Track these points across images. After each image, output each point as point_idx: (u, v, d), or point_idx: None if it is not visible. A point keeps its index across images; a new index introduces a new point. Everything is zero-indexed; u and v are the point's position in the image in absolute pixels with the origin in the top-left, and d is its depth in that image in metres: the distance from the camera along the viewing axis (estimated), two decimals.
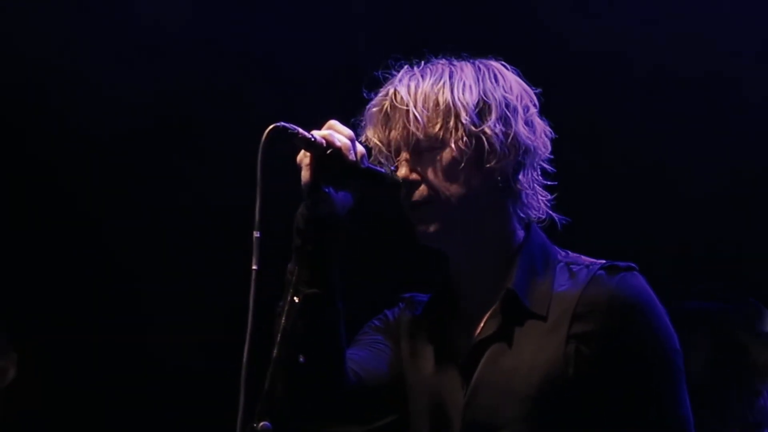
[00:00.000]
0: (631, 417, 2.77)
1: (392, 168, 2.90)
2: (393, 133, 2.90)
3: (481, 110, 2.86)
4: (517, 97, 2.91)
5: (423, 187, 2.87)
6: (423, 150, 2.88)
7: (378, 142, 2.92)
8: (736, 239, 5.16)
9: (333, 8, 5.23)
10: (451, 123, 2.84)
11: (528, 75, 3.06)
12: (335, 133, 2.79)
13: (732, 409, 4.64)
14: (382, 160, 2.91)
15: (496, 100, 2.87)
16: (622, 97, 5.18)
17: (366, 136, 2.93)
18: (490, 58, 2.98)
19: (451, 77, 2.88)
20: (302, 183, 2.80)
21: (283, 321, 2.74)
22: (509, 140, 2.86)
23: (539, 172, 2.95)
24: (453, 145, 2.84)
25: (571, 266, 2.88)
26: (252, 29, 5.22)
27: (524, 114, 2.90)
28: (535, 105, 2.96)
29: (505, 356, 2.83)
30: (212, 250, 5.16)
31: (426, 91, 2.87)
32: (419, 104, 2.85)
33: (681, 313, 4.87)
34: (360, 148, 2.83)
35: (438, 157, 2.86)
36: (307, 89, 5.00)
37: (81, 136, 5.24)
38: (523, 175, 2.90)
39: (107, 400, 5.41)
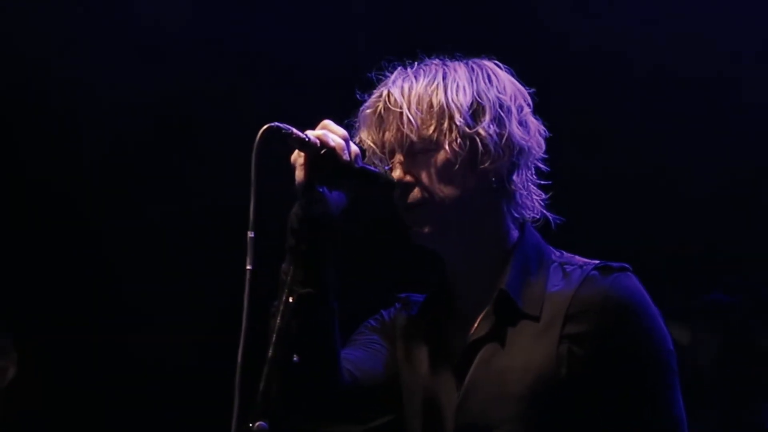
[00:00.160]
0: (625, 417, 2.77)
1: (386, 168, 2.89)
2: (387, 135, 2.89)
3: (475, 111, 2.85)
4: (510, 97, 2.90)
5: (417, 189, 2.87)
6: (417, 152, 2.87)
7: (372, 144, 2.91)
8: (736, 239, 5.16)
9: (333, 8, 5.24)
10: (445, 125, 2.83)
11: (528, 75, 3.05)
12: (329, 133, 2.78)
13: (746, 409, 4.64)
14: (377, 162, 2.90)
15: (489, 100, 2.86)
16: (622, 97, 5.18)
17: (360, 137, 2.92)
18: (483, 58, 2.97)
19: (444, 78, 2.87)
20: (296, 183, 2.79)
21: (277, 321, 2.73)
22: (503, 141, 2.85)
23: (533, 172, 2.94)
24: (447, 147, 2.83)
25: (564, 266, 2.87)
26: (252, 29, 5.22)
27: (518, 114, 2.89)
28: (528, 104, 2.94)
29: (498, 357, 2.83)
30: (212, 250, 5.16)
31: (420, 92, 2.86)
32: (413, 106, 2.85)
33: (692, 307, 4.89)
34: (354, 148, 2.82)
35: (432, 159, 2.85)
36: (307, 89, 5.01)
37: (81, 136, 5.25)
38: (518, 176, 2.89)
39: (107, 399, 5.41)
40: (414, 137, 2.85)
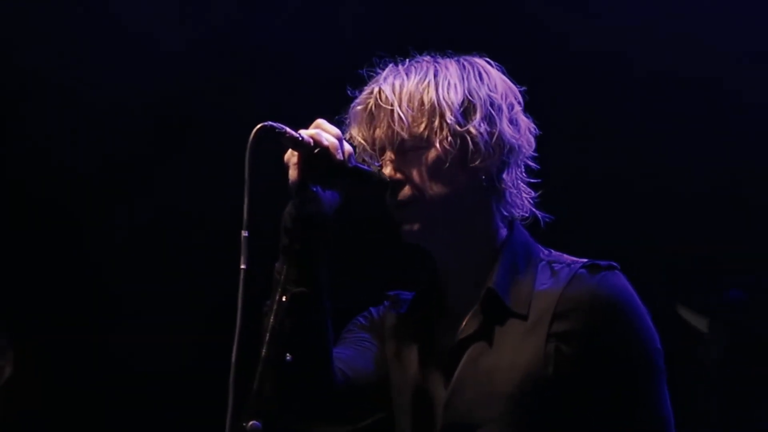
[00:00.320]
0: (612, 416, 2.76)
1: (377, 164, 2.89)
2: (377, 132, 2.89)
3: (466, 110, 2.85)
4: (501, 96, 2.89)
5: (408, 187, 2.87)
6: (408, 149, 2.87)
7: (362, 141, 2.91)
8: (736, 239, 5.15)
9: (333, 8, 5.24)
10: (436, 123, 2.83)
11: (528, 75, 3.05)
12: (323, 132, 2.78)
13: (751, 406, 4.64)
14: (367, 159, 2.90)
15: (480, 99, 2.85)
16: (622, 97, 5.18)
17: (350, 134, 2.92)
18: (474, 55, 2.96)
19: (436, 76, 2.87)
20: (290, 182, 2.79)
21: (271, 320, 2.74)
22: (494, 140, 2.84)
23: (523, 170, 2.94)
24: (438, 145, 2.83)
25: (552, 265, 2.87)
26: (252, 29, 5.23)
27: (509, 112, 2.89)
28: (519, 102, 2.94)
29: (486, 355, 2.82)
30: (212, 250, 5.17)
31: (411, 90, 2.86)
32: (404, 104, 2.84)
33: (709, 303, 4.90)
34: (347, 147, 2.82)
35: (423, 157, 2.85)
36: (307, 89, 5.01)
37: (81, 136, 5.26)
38: (508, 174, 2.88)
39: (106, 399, 5.42)
40: (405, 135, 2.85)
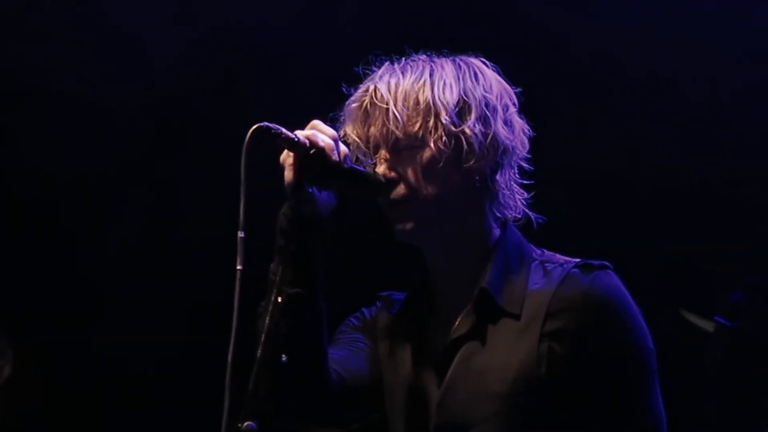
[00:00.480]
0: (604, 416, 2.76)
1: (370, 162, 2.89)
2: (372, 131, 2.89)
3: (461, 110, 2.84)
4: (496, 96, 2.89)
5: (401, 186, 2.86)
6: (402, 148, 2.87)
7: (357, 138, 2.90)
8: (736, 239, 5.15)
9: (333, 8, 5.24)
10: (431, 122, 2.82)
11: (528, 75, 3.05)
12: (318, 133, 2.78)
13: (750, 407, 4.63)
14: (360, 157, 2.90)
15: (476, 99, 2.85)
16: (622, 97, 5.18)
17: (345, 131, 2.91)
18: (470, 55, 2.96)
19: (431, 75, 2.86)
20: (285, 183, 2.79)
21: (266, 321, 2.74)
22: (488, 140, 2.84)
23: (516, 171, 2.93)
24: (432, 145, 2.83)
25: (545, 265, 2.87)
26: (252, 29, 5.23)
27: (503, 113, 2.88)
28: (514, 104, 2.93)
29: (479, 355, 2.82)
30: (212, 250, 5.17)
31: (406, 89, 2.85)
32: (399, 102, 2.84)
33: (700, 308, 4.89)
34: (343, 149, 2.82)
35: (417, 156, 2.85)
36: (307, 89, 5.00)
37: (81, 136, 5.26)
38: (501, 175, 2.88)
39: (105, 399, 5.42)
40: (399, 134, 2.84)
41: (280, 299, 2.76)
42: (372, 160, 2.89)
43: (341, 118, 2.94)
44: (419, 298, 2.98)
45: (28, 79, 5.19)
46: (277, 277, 2.78)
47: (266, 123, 2.72)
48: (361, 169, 2.87)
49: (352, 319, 3.07)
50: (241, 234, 2.64)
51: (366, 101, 2.89)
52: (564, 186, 4.91)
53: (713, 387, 5.03)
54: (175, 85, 5.21)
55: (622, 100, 5.18)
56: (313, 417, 2.95)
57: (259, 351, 2.71)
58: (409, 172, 2.85)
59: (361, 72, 2.97)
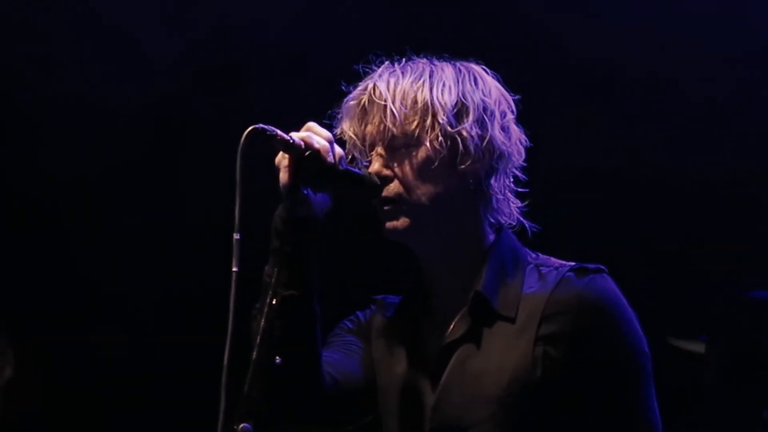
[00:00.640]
0: (600, 419, 2.77)
1: (365, 164, 2.89)
2: (369, 128, 2.89)
3: (459, 111, 2.85)
4: (495, 102, 2.89)
5: (395, 184, 2.87)
6: (398, 147, 2.87)
7: (353, 135, 2.91)
8: (736, 239, 5.15)
9: (333, 8, 5.24)
10: (428, 122, 2.83)
11: (528, 75, 3.05)
12: (314, 135, 2.78)
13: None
14: (356, 155, 2.91)
15: (474, 102, 2.86)
16: (622, 97, 5.18)
17: (341, 128, 2.92)
18: (471, 61, 2.96)
19: (431, 76, 2.88)
20: (281, 185, 2.79)
21: (261, 323, 2.74)
22: (484, 143, 2.84)
23: (512, 180, 2.94)
24: (428, 144, 2.84)
25: (540, 268, 2.87)
26: (252, 29, 5.23)
27: (501, 119, 2.89)
28: (512, 111, 2.94)
29: (474, 358, 2.83)
30: (212, 250, 5.16)
31: (405, 88, 2.86)
32: (397, 101, 2.85)
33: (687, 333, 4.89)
34: (338, 150, 2.82)
35: (412, 155, 2.86)
36: (308, 89, 5.00)
37: (81, 136, 5.26)
38: (495, 180, 2.89)
39: (105, 399, 5.43)
40: (396, 131, 2.85)
41: (274, 301, 2.76)
42: (367, 158, 2.90)
43: (338, 116, 2.94)
44: (414, 298, 2.99)
45: (28, 79, 5.18)
46: (272, 279, 2.78)
47: (261, 125, 2.72)
48: (356, 171, 2.87)
49: (347, 323, 3.08)
50: (236, 236, 2.64)
51: (364, 99, 2.90)
52: (564, 186, 4.91)
53: (712, 406, 5.02)
54: (175, 85, 5.21)
55: (622, 101, 5.17)
56: (307, 419, 2.96)
57: (254, 353, 2.71)
58: (404, 171, 2.86)
59: (360, 70, 2.98)
